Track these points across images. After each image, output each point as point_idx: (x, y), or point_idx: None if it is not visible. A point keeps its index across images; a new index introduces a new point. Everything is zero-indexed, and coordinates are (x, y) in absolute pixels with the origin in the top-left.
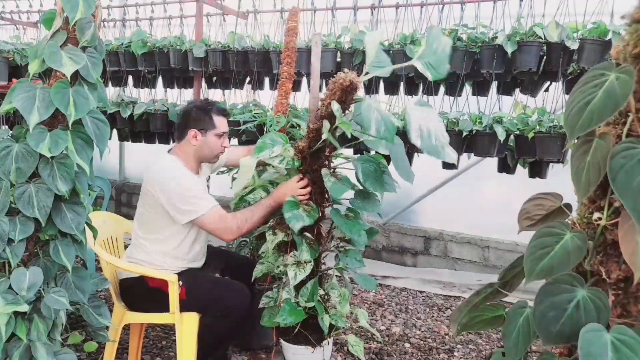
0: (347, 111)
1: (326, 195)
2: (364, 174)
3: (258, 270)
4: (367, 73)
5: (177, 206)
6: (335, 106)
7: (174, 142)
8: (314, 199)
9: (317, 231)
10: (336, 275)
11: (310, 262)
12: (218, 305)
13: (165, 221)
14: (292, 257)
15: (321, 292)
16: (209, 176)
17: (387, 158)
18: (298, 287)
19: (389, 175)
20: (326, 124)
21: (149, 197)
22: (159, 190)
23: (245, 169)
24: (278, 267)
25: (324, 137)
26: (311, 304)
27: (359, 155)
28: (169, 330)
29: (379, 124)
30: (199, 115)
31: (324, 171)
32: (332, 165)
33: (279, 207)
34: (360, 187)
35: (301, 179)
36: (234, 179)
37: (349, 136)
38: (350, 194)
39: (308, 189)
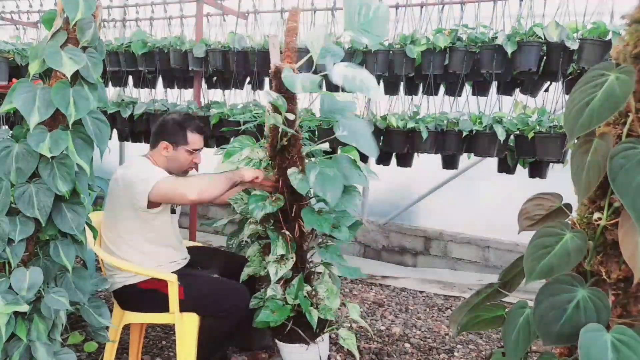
0: (295, 100)
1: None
2: (317, 177)
3: (245, 273)
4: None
5: (135, 185)
6: (274, 95)
7: None
8: (287, 197)
9: (297, 229)
10: (327, 273)
11: (291, 258)
12: (217, 306)
13: (129, 215)
14: (273, 254)
15: (308, 288)
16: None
17: (381, 161)
18: (286, 285)
19: (358, 170)
20: (277, 117)
21: (115, 199)
22: (122, 185)
23: (220, 170)
24: (264, 268)
25: (280, 129)
26: (298, 301)
27: (318, 158)
28: (169, 330)
29: (303, 82)
30: (173, 129)
31: (289, 170)
32: (303, 163)
33: (238, 184)
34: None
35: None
36: None
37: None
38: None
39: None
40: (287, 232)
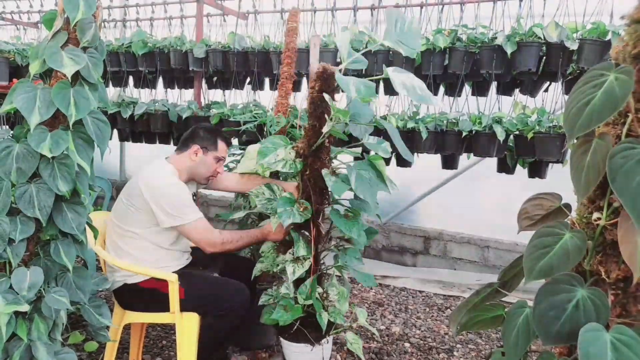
0: (334, 101)
1: (326, 196)
2: (357, 179)
3: (257, 269)
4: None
5: (164, 209)
6: (327, 96)
7: (174, 142)
8: (313, 199)
9: (315, 230)
10: (336, 275)
11: (308, 258)
12: (217, 305)
13: (149, 220)
14: (290, 254)
15: (320, 290)
16: (195, 193)
17: (386, 161)
18: (297, 285)
19: (385, 180)
20: (327, 116)
21: (136, 198)
22: (150, 193)
23: (251, 155)
24: (277, 265)
25: (324, 129)
26: (309, 302)
27: (355, 161)
28: (169, 330)
29: (357, 86)
30: (206, 135)
31: (324, 171)
32: (332, 166)
33: (264, 240)
34: None
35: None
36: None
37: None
38: (349, 194)
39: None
40: (307, 233)
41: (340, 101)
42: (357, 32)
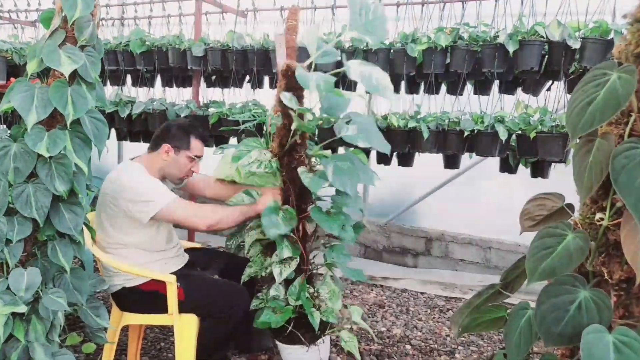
0: (302, 99)
1: (308, 195)
2: (334, 171)
3: (246, 274)
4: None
5: (138, 200)
6: (287, 95)
7: None
8: (294, 199)
9: (302, 230)
10: (329, 275)
11: (295, 259)
12: (216, 307)
13: (124, 220)
14: (276, 256)
15: (311, 289)
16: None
17: (367, 152)
18: (287, 286)
19: (367, 168)
20: (293, 113)
21: (108, 207)
22: (119, 193)
23: (228, 158)
24: (266, 268)
25: (293, 127)
26: (300, 302)
27: (332, 154)
28: (167, 332)
29: (317, 82)
30: (177, 133)
31: (300, 169)
32: (311, 162)
33: (256, 216)
34: None
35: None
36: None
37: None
38: (332, 191)
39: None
40: (292, 234)
41: (312, 95)
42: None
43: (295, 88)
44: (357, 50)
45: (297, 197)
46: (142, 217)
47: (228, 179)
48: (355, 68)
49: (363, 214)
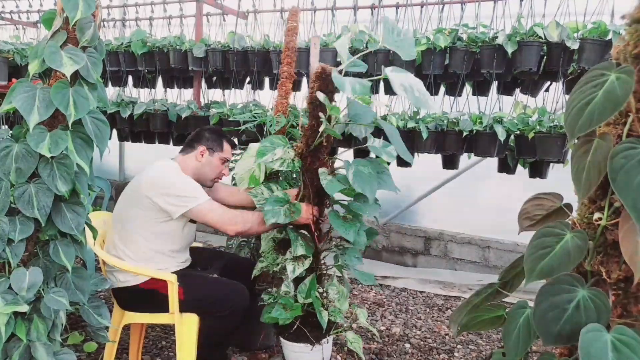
0: (333, 102)
1: (326, 196)
2: (355, 175)
3: (258, 268)
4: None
5: (172, 195)
6: (322, 95)
7: (173, 142)
8: (312, 198)
9: (316, 230)
10: (336, 276)
11: (308, 257)
12: (216, 306)
13: (153, 222)
14: (290, 253)
15: (320, 289)
16: None
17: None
18: (297, 285)
19: (388, 176)
20: (322, 115)
21: (141, 200)
22: (154, 188)
23: (252, 152)
24: (277, 264)
25: (321, 129)
26: (309, 301)
27: (355, 158)
28: (168, 331)
29: (353, 85)
30: (212, 136)
31: (320, 170)
32: (332, 165)
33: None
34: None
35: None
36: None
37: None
38: (351, 197)
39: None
40: (306, 233)
41: (340, 102)
42: (358, 31)
43: (328, 91)
44: (356, 51)
45: (315, 198)
46: (174, 210)
47: (248, 174)
48: (396, 80)
49: (377, 220)
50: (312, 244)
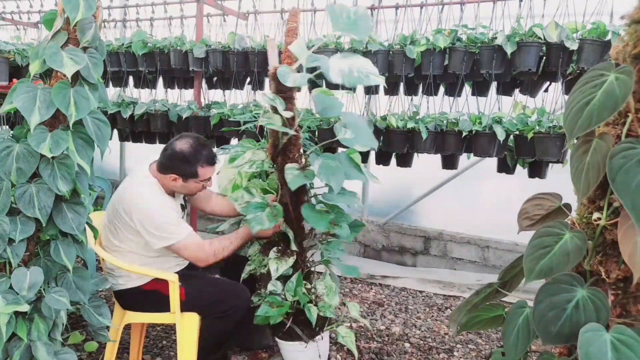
0: (293, 101)
1: (305, 194)
2: (321, 167)
3: (246, 271)
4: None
5: (152, 232)
6: (270, 96)
7: None
8: (289, 198)
9: (297, 227)
10: (328, 273)
11: (292, 255)
12: (218, 306)
13: (137, 233)
14: (274, 252)
15: (308, 285)
16: (185, 201)
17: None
18: (285, 283)
19: (361, 170)
20: (275, 117)
21: (120, 220)
22: (135, 217)
23: (225, 175)
24: (265, 266)
25: (275, 128)
26: (297, 298)
27: (323, 153)
28: (169, 330)
29: (294, 77)
30: (183, 164)
31: (287, 166)
32: (305, 161)
33: (255, 238)
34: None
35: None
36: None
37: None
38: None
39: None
40: (290, 230)
41: (305, 98)
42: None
43: (285, 90)
44: (356, 51)
45: (293, 195)
46: (153, 243)
47: (231, 184)
48: (334, 67)
49: (362, 213)
50: (295, 242)
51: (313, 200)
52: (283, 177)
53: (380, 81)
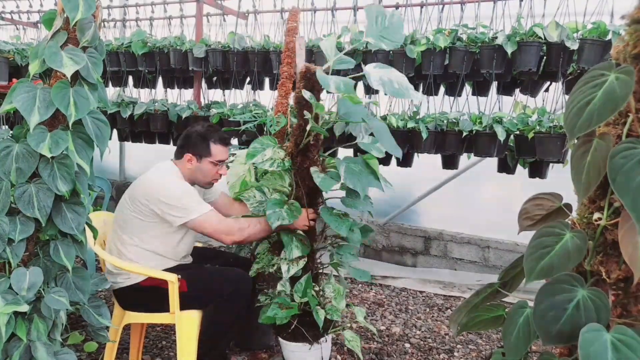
0: (320, 101)
1: (317, 195)
2: (346, 171)
3: (254, 269)
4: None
5: (172, 206)
6: (307, 94)
7: (174, 142)
8: (305, 198)
9: (310, 229)
10: (334, 275)
11: (303, 257)
12: (219, 292)
13: (153, 224)
14: (284, 253)
15: (316, 288)
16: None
17: (385, 161)
18: (293, 283)
19: (379, 177)
20: (307, 114)
21: (136, 209)
22: (156, 196)
23: (241, 159)
24: (273, 265)
25: (308, 127)
26: (306, 299)
27: (345, 157)
28: (169, 330)
29: (337, 83)
30: (197, 141)
31: (312, 169)
32: (323, 164)
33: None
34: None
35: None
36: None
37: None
38: (342, 194)
39: (313, 217)
40: (300, 232)
41: (325, 101)
42: (357, 31)
43: (314, 90)
44: (356, 51)
45: (307, 197)
46: (174, 220)
47: (240, 181)
48: (374, 75)
49: (362, 214)
50: (307, 243)
51: (329, 203)
52: (300, 177)
53: (417, 97)
